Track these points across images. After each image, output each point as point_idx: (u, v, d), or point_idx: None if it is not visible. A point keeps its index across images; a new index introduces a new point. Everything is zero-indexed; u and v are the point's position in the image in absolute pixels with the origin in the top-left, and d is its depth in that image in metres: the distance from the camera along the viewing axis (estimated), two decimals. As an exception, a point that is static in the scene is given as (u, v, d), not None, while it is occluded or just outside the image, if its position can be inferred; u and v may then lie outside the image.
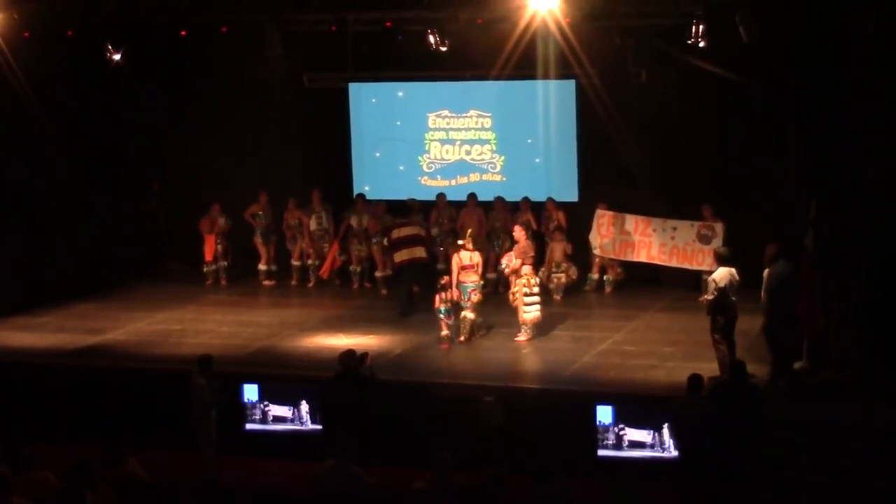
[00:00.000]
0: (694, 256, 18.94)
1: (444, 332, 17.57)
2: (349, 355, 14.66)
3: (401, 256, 19.15)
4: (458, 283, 17.67)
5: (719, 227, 18.79)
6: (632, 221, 19.48)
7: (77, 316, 20.03)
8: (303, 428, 15.78)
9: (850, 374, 15.30)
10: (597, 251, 20.04)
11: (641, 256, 19.54)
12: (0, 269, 20.51)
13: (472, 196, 20.90)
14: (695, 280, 19.22)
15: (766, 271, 15.33)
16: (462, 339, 17.63)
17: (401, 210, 20.83)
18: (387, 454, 14.68)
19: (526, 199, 20.61)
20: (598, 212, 19.83)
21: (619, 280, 20.42)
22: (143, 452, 12.41)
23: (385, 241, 19.73)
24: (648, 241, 19.40)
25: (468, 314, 17.67)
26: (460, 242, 18.14)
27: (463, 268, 17.70)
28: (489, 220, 20.51)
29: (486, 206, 20.77)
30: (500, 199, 20.71)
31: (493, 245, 20.23)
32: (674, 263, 19.21)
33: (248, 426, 15.97)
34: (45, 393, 16.87)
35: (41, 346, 18.37)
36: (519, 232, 18.24)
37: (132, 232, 22.59)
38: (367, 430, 14.32)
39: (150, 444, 14.27)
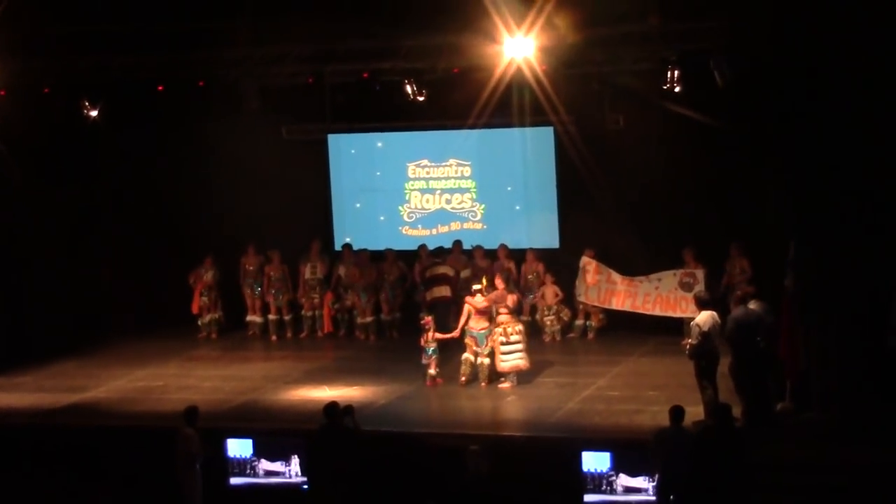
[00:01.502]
0: (677, 304, 19.00)
1: (432, 371, 17.95)
2: (333, 407, 14.59)
3: (431, 294, 19.28)
4: (470, 329, 17.80)
5: (700, 274, 18.85)
6: (617, 276, 19.59)
7: (57, 375, 19.88)
8: (288, 481, 15.64)
9: (832, 414, 15.29)
10: (581, 297, 20.06)
11: (626, 305, 19.61)
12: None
13: (458, 243, 20.95)
14: (678, 324, 19.25)
15: None
16: (483, 384, 17.82)
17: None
18: (372, 506, 14.61)
19: (503, 246, 20.60)
20: (584, 258, 19.87)
21: (602, 326, 20.43)
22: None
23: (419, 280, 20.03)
24: (634, 291, 19.50)
25: (485, 360, 17.79)
26: (476, 287, 18.10)
27: (479, 312, 17.76)
28: (471, 268, 20.46)
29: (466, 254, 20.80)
30: (479, 248, 20.68)
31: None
32: (657, 312, 19.27)
33: (232, 481, 15.82)
34: (25, 454, 16.68)
35: (20, 406, 18.18)
36: (498, 280, 18.31)
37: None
38: (353, 482, 14.24)
39: (131, 502, 14.15)
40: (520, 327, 17.97)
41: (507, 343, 17.67)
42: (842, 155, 15.10)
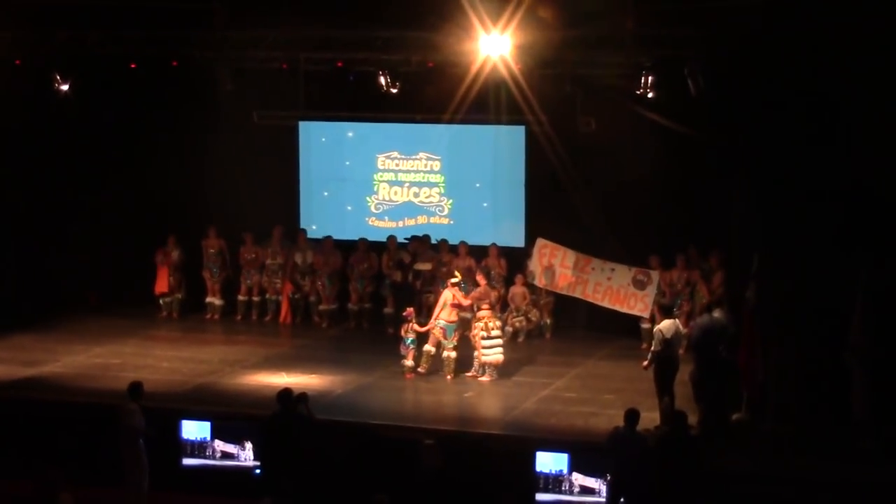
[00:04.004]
0: (627, 300, 19.00)
1: (409, 362, 17.91)
2: (286, 394, 14.55)
3: (390, 277, 20.35)
4: (440, 319, 17.87)
5: (655, 275, 18.90)
6: (572, 257, 19.51)
7: (14, 347, 19.73)
8: (241, 464, 15.62)
9: (788, 426, 15.38)
10: (535, 281, 19.94)
11: (577, 292, 19.53)
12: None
13: (427, 237, 20.93)
14: (637, 329, 19.35)
15: None
16: (449, 377, 17.91)
17: (351, 248, 21.17)
18: (324, 495, 14.58)
19: (463, 243, 20.59)
20: (540, 241, 19.76)
21: (540, 324, 20.43)
22: (77, 488, 12.24)
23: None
24: (585, 279, 19.42)
25: (451, 354, 17.90)
26: (454, 281, 18.16)
27: (454, 305, 17.88)
28: (433, 262, 20.44)
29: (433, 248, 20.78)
30: (463, 244, 20.61)
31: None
32: (606, 304, 19.25)
33: (185, 461, 15.78)
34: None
35: (-24, 377, 18.10)
36: (480, 277, 18.41)
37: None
38: (304, 470, 14.23)
39: (84, 479, 14.10)
40: (498, 322, 18.16)
41: (489, 338, 17.77)
42: (809, 169, 15.19)
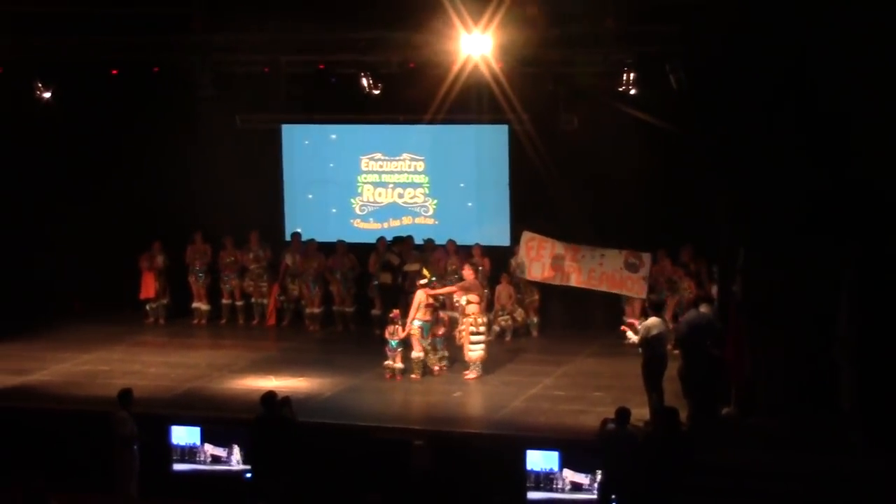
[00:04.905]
0: (623, 283, 19.06)
1: (396, 364, 17.92)
2: (270, 397, 14.54)
3: (378, 279, 20.39)
4: (420, 320, 17.88)
5: (647, 257, 18.98)
6: (560, 247, 19.54)
7: (1, 357, 19.67)
8: (230, 468, 15.61)
9: (777, 420, 15.41)
10: (524, 274, 19.95)
11: (570, 281, 19.54)
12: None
13: (410, 238, 20.94)
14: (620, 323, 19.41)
15: None
16: (414, 376, 18.00)
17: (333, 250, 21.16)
18: (316, 498, 14.58)
19: (451, 241, 20.64)
20: (527, 234, 19.78)
21: (526, 322, 20.46)
22: (65, 495, 12.23)
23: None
24: (577, 267, 19.43)
25: (419, 354, 17.95)
26: (422, 282, 18.17)
27: (427, 306, 17.92)
28: (442, 262, 20.40)
29: (419, 248, 20.78)
30: (451, 242, 20.65)
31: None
32: (603, 288, 19.28)
33: (176, 467, 15.76)
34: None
35: (-36, 386, 18.05)
36: (468, 271, 18.45)
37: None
38: (292, 473, 14.22)
39: (73, 486, 14.07)
40: (484, 319, 18.18)
41: (476, 333, 17.85)
42: (793, 163, 15.22)
